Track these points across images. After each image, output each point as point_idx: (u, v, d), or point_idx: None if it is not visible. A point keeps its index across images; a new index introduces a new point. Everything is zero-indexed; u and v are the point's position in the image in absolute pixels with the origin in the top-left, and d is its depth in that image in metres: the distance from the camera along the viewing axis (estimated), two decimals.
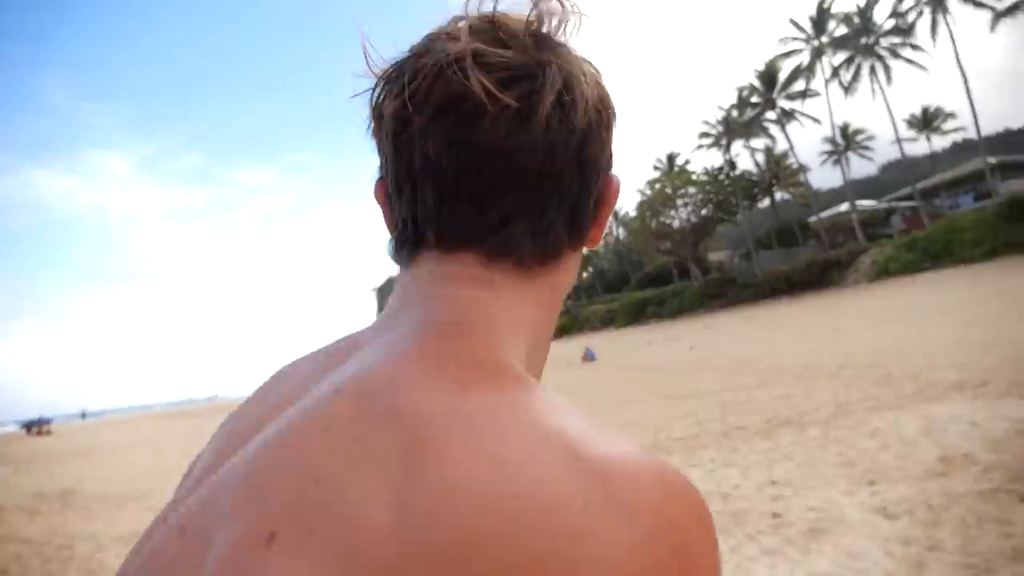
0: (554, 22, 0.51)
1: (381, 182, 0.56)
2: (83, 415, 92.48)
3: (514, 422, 0.38)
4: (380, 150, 0.54)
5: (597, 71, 0.54)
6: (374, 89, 0.52)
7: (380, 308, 2.10)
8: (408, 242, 0.53)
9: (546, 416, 0.39)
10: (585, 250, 0.57)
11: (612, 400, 12.54)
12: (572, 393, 15.42)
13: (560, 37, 0.51)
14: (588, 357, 27.53)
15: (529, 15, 0.49)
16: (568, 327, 54.49)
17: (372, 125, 0.53)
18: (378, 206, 0.57)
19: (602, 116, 0.51)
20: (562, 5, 0.51)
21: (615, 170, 0.55)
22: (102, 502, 9.53)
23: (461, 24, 0.48)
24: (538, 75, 0.47)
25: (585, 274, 77.59)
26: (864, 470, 4.88)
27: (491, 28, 0.48)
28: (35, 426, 41.88)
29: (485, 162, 0.46)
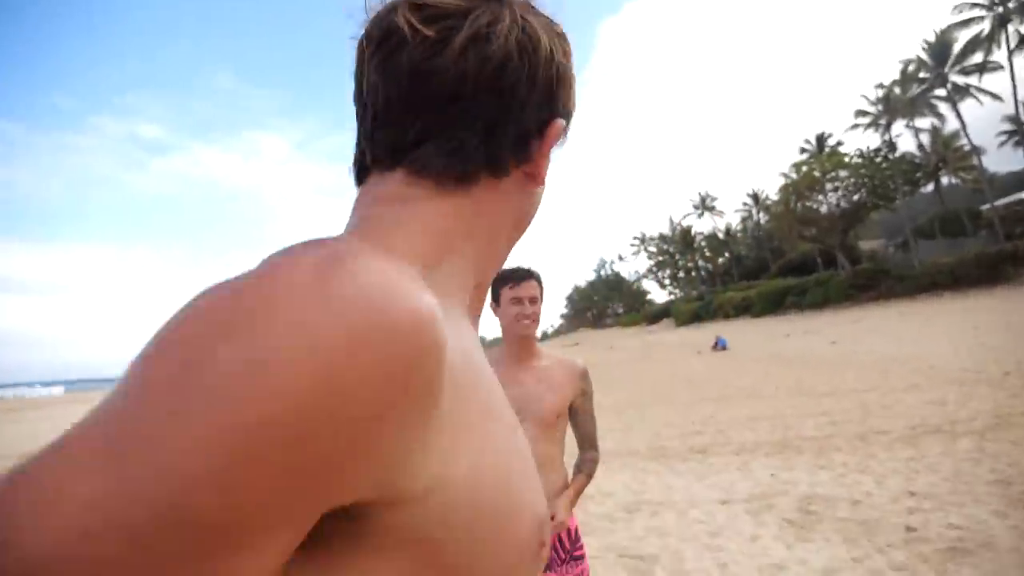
0: None
1: None
2: None
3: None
4: None
5: (548, 21, 0.59)
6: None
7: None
8: (358, 166, 0.60)
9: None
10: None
11: (741, 392, 12.06)
12: (697, 382, 15.00)
13: None
14: (719, 346, 26.57)
15: None
16: (700, 314, 52.73)
17: None
18: None
19: (529, 55, 0.55)
20: None
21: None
22: None
23: None
24: (467, 15, 0.53)
25: (721, 259, 74.51)
26: (1022, 490, 4.41)
27: None
28: None
29: (405, 86, 0.53)
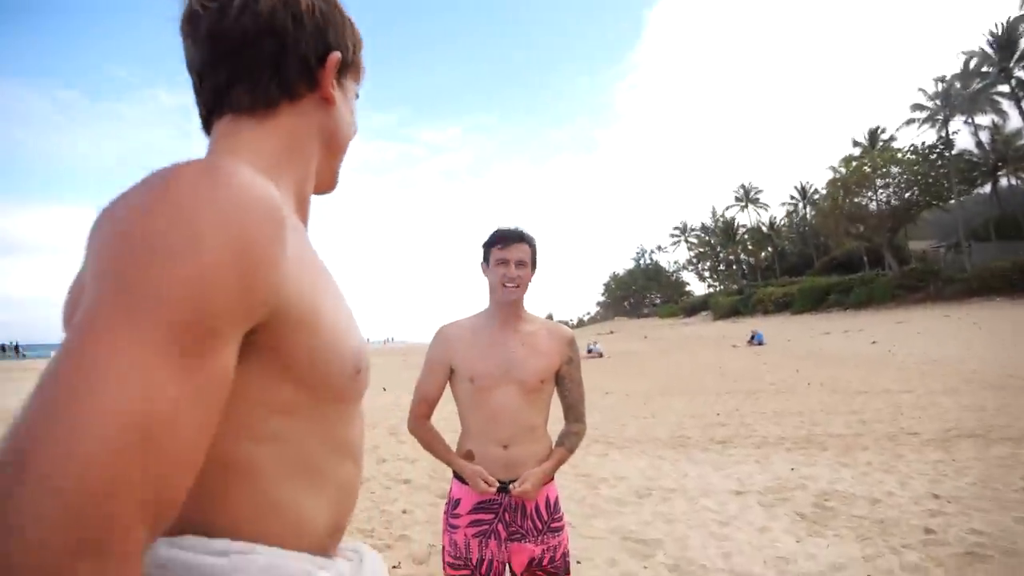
0: None
1: None
2: None
3: None
4: None
5: None
6: None
7: None
8: (203, 122, 0.77)
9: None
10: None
11: (771, 387, 11.83)
12: (728, 375, 14.76)
13: None
14: (755, 340, 26.13)
15: None
16: (738, 308, 51.81)
17: None
18: None
19: (292, 6, 0.73)
20: None
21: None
22: None
23: None
24: None
25: (763, 254, 72.96)
26: None
27: None
28: None
29: (207, 49, 0.72)
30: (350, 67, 0.82)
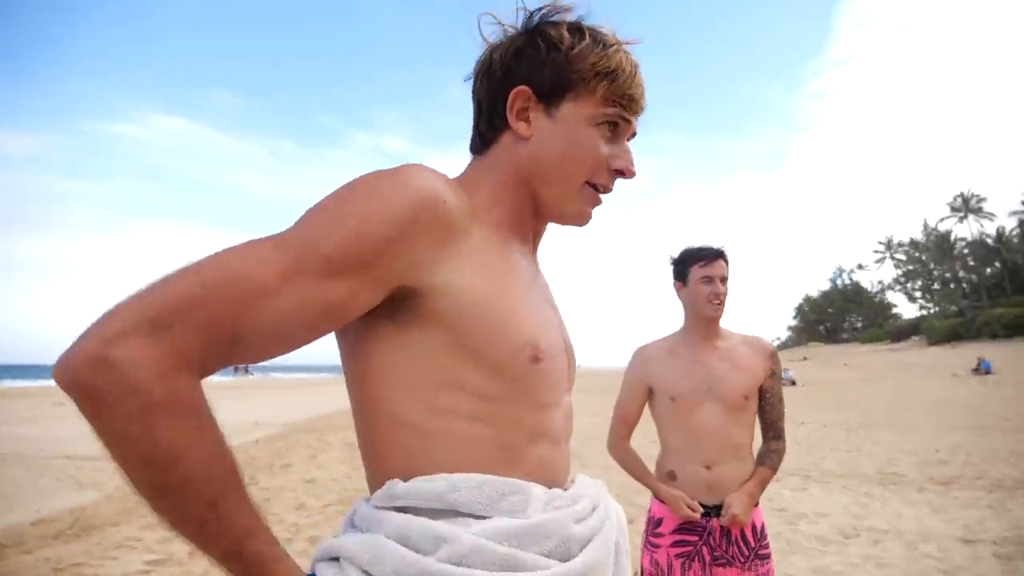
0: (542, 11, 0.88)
1: None
2: None
3: None
4: None
5: (536, 32, 0.87)
6: None
7: None
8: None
9: None
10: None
11: (1004, 422, 10.30)
12: (948, 408, 13.08)
13: (536, 18, 0.87)
14: (981, 369, 22.91)
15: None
16: (959, 332, 45.70)
17: None
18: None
19: (507, 58, 0.85)
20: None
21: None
22: None
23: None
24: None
25: (988, 270, 63.78)
26: None
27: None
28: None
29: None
30: (564, 93, 0.84)
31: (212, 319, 0.60)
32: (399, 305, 0.73)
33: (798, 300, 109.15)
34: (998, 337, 40.50)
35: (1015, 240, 63.05)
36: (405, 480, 0.72)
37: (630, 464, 2.10)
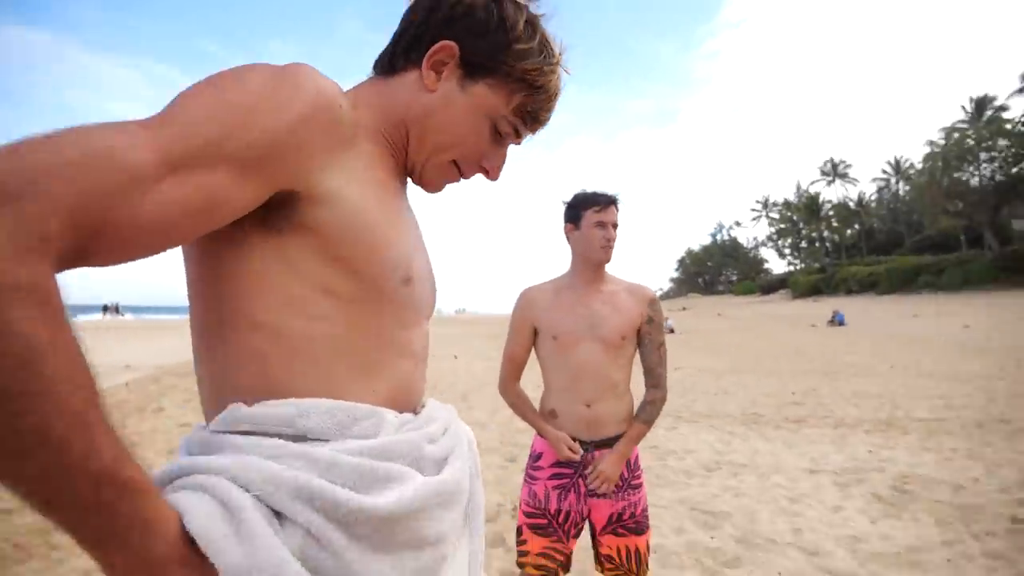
0: None
1: None
2: None
3: None
4: None
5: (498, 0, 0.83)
6: None
7: None
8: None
9: None
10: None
11: (850, 368, 11.40)
12: (805, 355, 14.31)
13: None
14: (836, 321, 25.15)
15: None
16: (820, 287, 49.81)
17: None
18: None
19: (457, 7, 0.81)
20: None
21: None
22: None
23: None
24: None
25: (849, 231, 69.55)
26: None
27: None
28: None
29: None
30: (485, 76, 0.82)
31: (71, 197, 0.48)
32: (274, 211, 0.67)
33: (681, 253, 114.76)
34: (853, 292, 44.53)
35: (873, 205, 68.92)
36: (250, 405, 0.68)
37: (518, 404, 2.14)
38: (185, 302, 0.75)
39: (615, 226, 2.04)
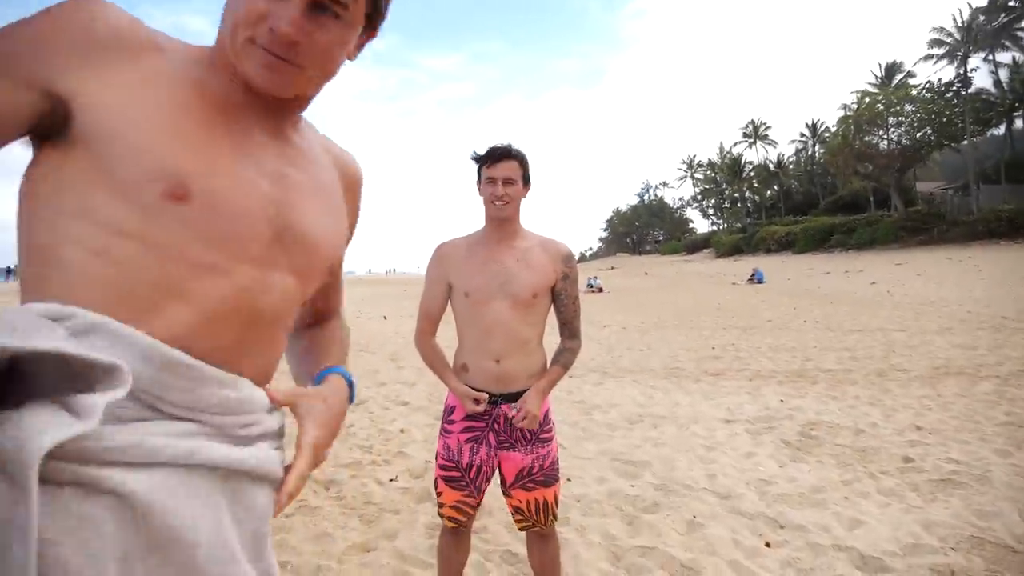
0: None
1: None
2: None
3: None
4: None
5: None
6: None
7: None
8: None
9: None
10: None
11: (767, 323, 11.95)
12: (725, 311, 14.90)
13: None
14: (754, 279, 26.21)
15: None
16: (741, 247, 51.72)
17: None
18: None
19: None
20: None
21: None
22: None
23: None
24: None
25: (769, 192, 72.17)
26: None
27: None
28: None
29: None
30: None
31: None
32: (58, 129, 0.68)
33: (609, 213, 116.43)
34: (771, 251, 46.44)
35: (791, 167, 71.59)
36: None
37: (431, 358, 2.14)
38: None
39: (508, 182, 2.00)
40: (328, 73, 0.82)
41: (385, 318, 14.65)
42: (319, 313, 1.09)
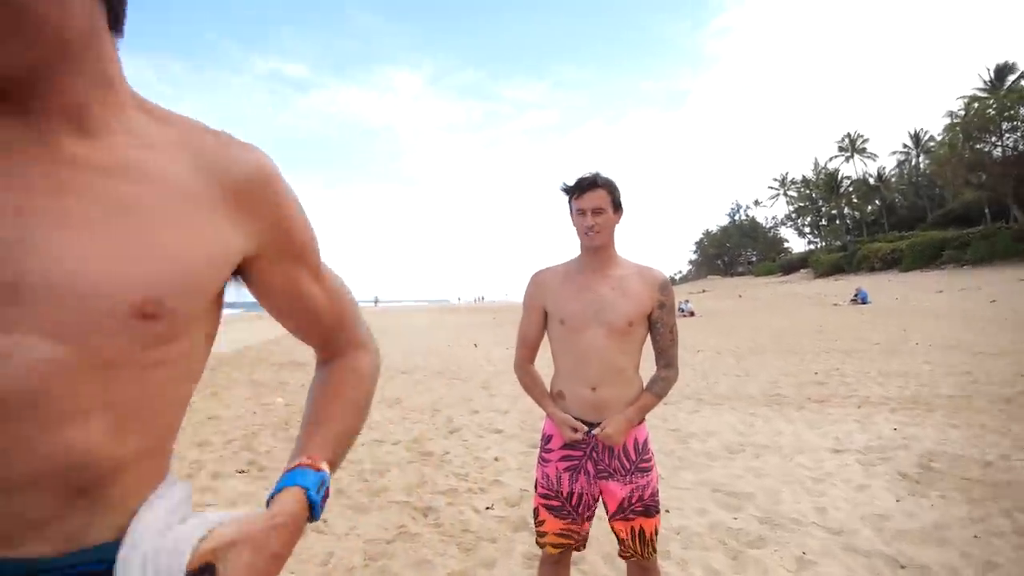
0: None
1: None
2: (375, 301, 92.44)
3: None
4: None
5: None
6: None
7: None
8: None
9: None
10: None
11: (874, 346, 11.27)
12: (827, 334, 14.16)
13: None
14: (858, 299, 24.85)
15: None
16: (841, 266, 49.15)
17: None
18: None
19: None
20: None
21: None
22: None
23: None
24: None
25: (870, 207, 68.48)
26: None
27: None
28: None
29: None
30: None
31: None
32: None
33: (699, 235, 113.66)
34: (875, 270, 43.88)
35: (893, 180, 67.75)
36: None
37: (529, 384, 2.17)
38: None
39: (597, 211, 2.01)
40: (56, 36, 0.57)
41: (476, 346, 14.84)
42: (323, 348, 0.92)
